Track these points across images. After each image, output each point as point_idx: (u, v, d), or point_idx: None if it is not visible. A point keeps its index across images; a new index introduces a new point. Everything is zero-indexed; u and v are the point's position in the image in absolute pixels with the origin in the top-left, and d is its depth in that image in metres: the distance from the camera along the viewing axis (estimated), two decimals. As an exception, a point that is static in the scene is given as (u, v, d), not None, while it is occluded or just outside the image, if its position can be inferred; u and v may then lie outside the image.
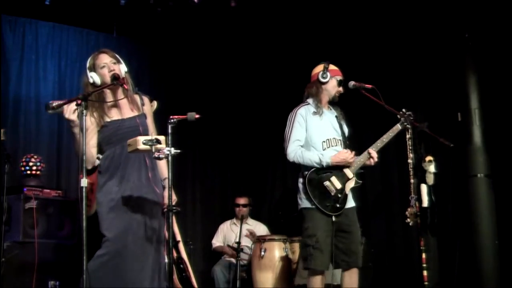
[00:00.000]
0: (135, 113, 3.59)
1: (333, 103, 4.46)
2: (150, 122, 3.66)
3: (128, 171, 3.46)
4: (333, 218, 4.21)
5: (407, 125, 4.29)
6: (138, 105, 3.61)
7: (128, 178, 3.45)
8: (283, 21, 6.53)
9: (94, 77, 3.50)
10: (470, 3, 5.60)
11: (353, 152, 4.31)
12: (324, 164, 4.23)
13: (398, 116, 4.35)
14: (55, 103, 3.38)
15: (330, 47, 6.36)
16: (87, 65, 3.57)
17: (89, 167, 3.46)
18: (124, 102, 3.55)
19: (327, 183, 4.25)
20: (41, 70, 5.96)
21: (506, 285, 5.33)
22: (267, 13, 6.40)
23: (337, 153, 4.29)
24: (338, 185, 4.27)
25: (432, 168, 5.19)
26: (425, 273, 4.63)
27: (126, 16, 6.18)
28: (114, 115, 3.52)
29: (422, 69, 6.05)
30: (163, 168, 3.60)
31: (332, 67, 4.42)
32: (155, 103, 4.53)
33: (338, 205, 4.25)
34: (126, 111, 3.57)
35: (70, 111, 3.26)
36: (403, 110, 4.38)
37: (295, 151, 4.29)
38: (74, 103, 3.20)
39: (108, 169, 3.49)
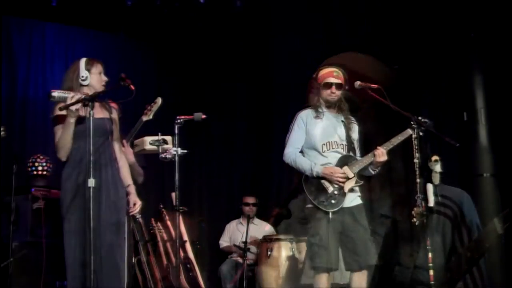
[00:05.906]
0: (105, 116, 3.87)
1: (341, 108, 4.38)
2: (115, 127, 3.91)
3: (95, 166, 3.62)
4: (330, 215, 4.16)
5: (417, 130, 4.12)
6: (107, 110, 3.89)
7: (94, 173, 3.58)
8: (287, 20, 6.55)
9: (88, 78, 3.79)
10: (476, 3, 5.62)
11: (344, 173, 4.22)
12: (314, 173, 4.21)
13: (411, 122, 4.19)
14: (56, 93, 3.61)
15: (334, 46, 6.37)
16: (84, 65, 3.81)
17: (64, 159, 3.70)
18: (97, 104, 3.78)
19: (323, 180, 4.23)
20: (48, 71, 5.97)
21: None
22: (272, 13, 6.46)
23: (331, 168, 4.25)
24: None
25: (438, 167, 5.11)
26: (431, 272, 4.49)
27: (133, 17, 6.20)
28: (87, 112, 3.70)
29: (429, 69, 6.04)
30: (126, 175, 3.90)
31: (323, 71, 4.34)
32: (159, 100, 4.65)
33: (333, 202, 4.19)
34: (97, 112, 3.78)
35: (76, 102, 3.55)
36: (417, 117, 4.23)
37: (289, 155, 4.32)
38: (79, 94, 3.60)
39: (76, 161, 3.70)
